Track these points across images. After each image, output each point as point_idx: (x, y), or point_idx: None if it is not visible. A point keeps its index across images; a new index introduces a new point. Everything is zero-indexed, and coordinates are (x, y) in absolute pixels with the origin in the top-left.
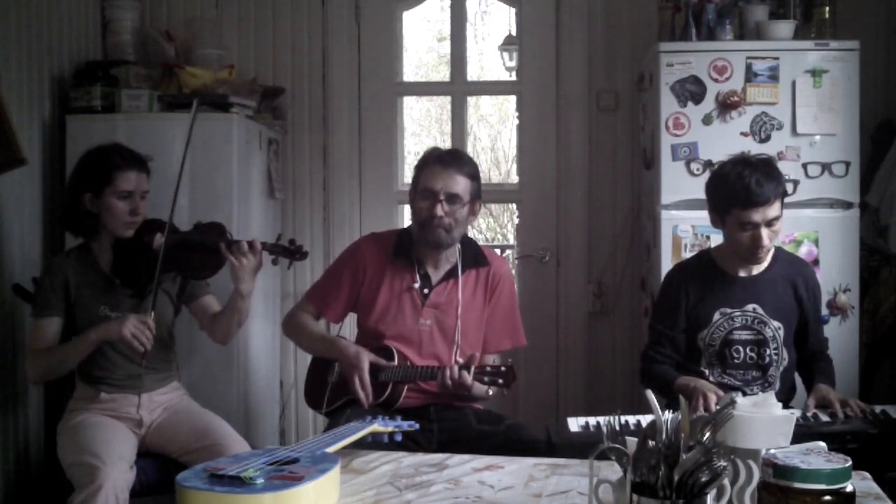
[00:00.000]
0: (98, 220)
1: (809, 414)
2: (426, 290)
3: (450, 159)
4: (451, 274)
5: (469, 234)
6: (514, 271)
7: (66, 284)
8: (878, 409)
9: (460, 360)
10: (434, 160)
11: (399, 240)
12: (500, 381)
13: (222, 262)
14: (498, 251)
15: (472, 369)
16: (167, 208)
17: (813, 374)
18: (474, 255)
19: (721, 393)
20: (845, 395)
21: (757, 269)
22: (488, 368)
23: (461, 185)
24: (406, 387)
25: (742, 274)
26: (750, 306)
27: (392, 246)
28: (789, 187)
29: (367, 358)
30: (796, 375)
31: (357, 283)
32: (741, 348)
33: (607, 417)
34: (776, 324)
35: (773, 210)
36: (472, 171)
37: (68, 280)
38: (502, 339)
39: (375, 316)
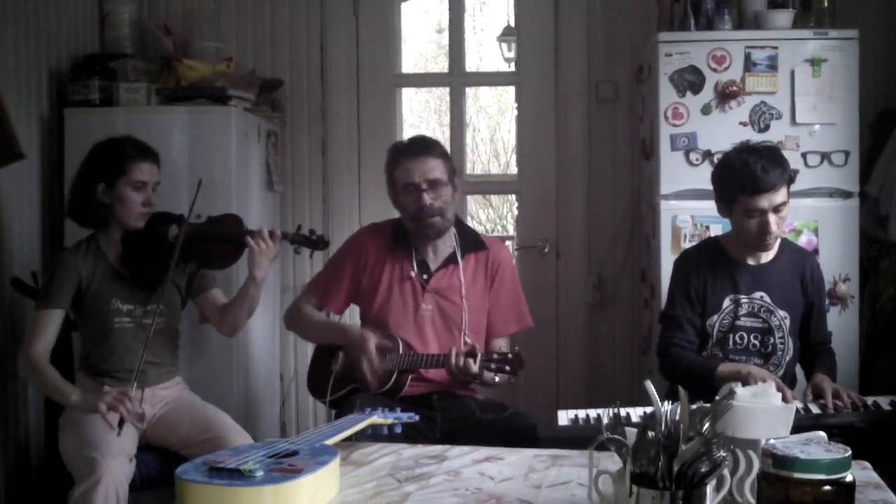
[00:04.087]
0: (109, 211)
1: (800, 406)
2: (426, 276)
3: (416, 147)
4: (451, 259)
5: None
6: (513, 261)
7: (77, 280)
8: (870, 400)
9: (468, 341)
10: (401, 154)
11: (396, 228)
12: (508, 368)
13: (239, 253)
14: None
15: (479, 357)
16: (164, 202)
17: (814, 366)
18: (472, 240)
19: (778, 380)
20: (843, 386)
21: (765, 258)
22: (495, 356)
23: (437, 167)
24: (410, 376)
25: (750, 262)
26: (758, 294)
27: (390, 234)
28: None
29: (373, 340)
30: (797, 368)
31: (358, 273)
32: (745, 335)
33: (598, 410)
34: (782, 313)
35: (780, 196)
36: (441, 150)
37: (81, 275)
38: (508, 322)
39: (378, 304)
